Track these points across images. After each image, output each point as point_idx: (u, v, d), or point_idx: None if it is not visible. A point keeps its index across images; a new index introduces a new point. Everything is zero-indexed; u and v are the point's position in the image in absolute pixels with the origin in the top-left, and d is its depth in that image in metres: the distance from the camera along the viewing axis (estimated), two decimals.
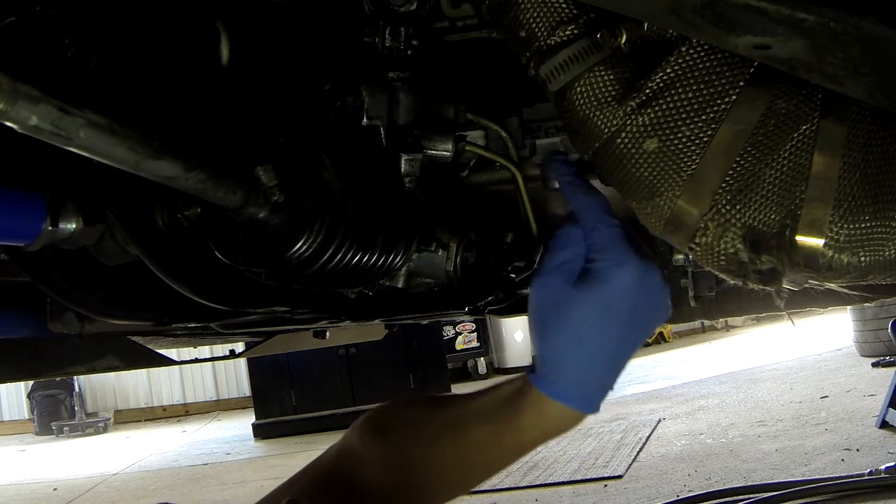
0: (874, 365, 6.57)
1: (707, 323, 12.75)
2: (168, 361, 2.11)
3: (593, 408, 0.82)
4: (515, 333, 11.32)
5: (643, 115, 0.76)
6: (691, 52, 0.74)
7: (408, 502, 0.92)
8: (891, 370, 5.23)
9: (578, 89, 0.79)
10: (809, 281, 0.77)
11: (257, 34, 0.99)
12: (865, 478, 3.53)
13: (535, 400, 0.82)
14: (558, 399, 0.81)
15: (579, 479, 4.79)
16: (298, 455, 6.75)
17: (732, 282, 0.80)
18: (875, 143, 0.72)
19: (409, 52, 0.95)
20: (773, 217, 0.74)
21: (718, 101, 0.74)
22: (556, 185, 0.90)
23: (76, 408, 10.94)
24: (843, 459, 4.06)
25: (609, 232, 0.82)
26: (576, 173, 0.88)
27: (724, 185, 0.74)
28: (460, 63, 1.10)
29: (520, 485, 4.86)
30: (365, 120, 0.97)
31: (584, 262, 0.82)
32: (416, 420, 0.94)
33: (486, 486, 4.81)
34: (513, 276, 1.36)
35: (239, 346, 2.66)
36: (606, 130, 0.78)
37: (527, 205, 1.14)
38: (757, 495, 3.63)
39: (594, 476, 4.78)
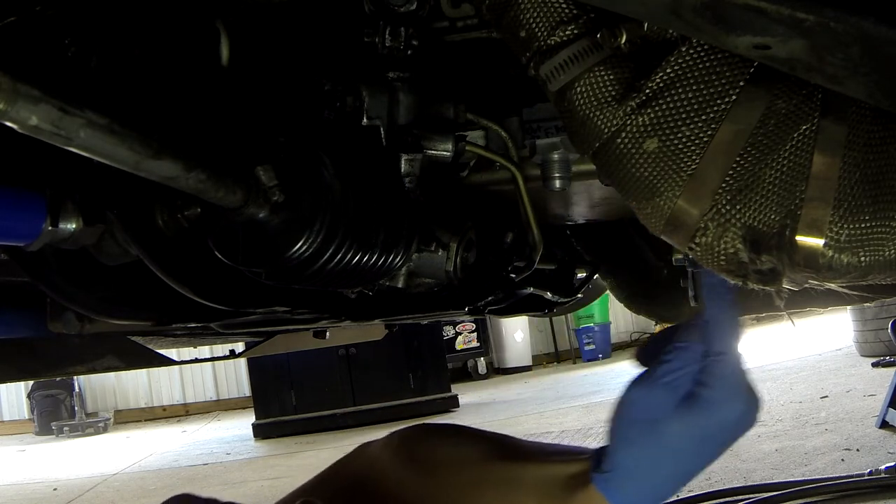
0: (874, 365, 6.57)
1: None
2: (168, 361, 2.11)
3: None
4: (515, 333, 11.31)
5: (643, 115, 0.76)
6: (691, 52, 0.74)
7: None
8: (891, 370, 5.22)
9: (578, 89, 0.79)
10: (809, 281, 0.77)
11: (257, 34, 0.98)
12: (865, 478, 3.53)
13: (590, 496, 0.79)
14: None
15: None
16: (298, 455, 6.75)
17: (732, 282, 0.80)
18: (875, 143, 0.72)
19: (409, 52, 0.95)
20: (773, 217, 0.74)
21: (718, 101, 0.74)
22: (704, 290, 0.81)
23: (76, 408, 10.94)
24: (843, 459, 4.06)
25: (733, 361, 0.77)
26: (727, 286, 0.80)
27: (724, 185, 0.74)
28: (460, 63, 1.10)
29: None
30: (365, 120, 0.97)
31: (692, 381, 0.77)
32: (458, 460, 0.89)
33: None
34: (513, 275, 1.36)
35: (239, 346, 2.67)
36: (606, 130, 0.78)
37: (527, 205, 1.14)
38: (757, 495, 3.62)
39: None
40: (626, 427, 0.79)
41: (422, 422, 0.99)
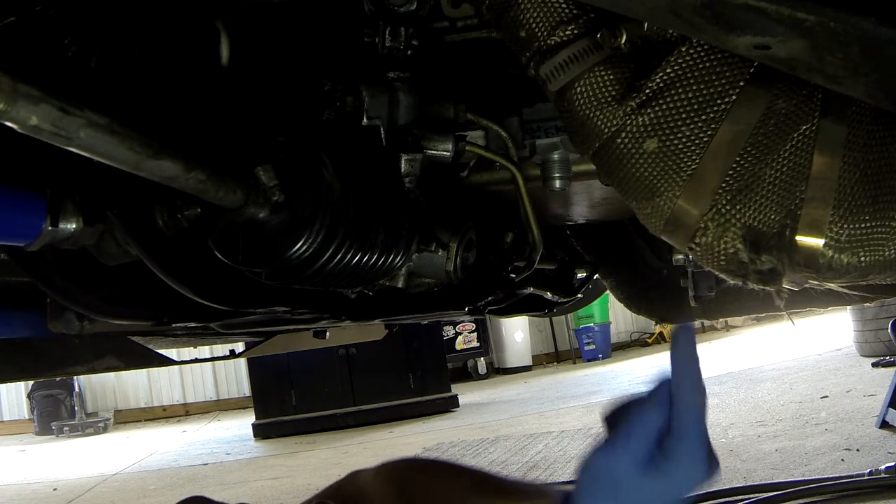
0: (874, 365, 6.57)
1: (707, 323, 12.75)
2: (168, 361, 2.11)
3: None
4: (515, 333, 11.31)
5: (643, 115, 0.76)
6: (691, 52, 0.74)
7: None
8: (891, 370, 5.22)
9: (578, 89, 0.79)
10: (809, 281, 0.77)
11: (257, 34, 0.98)
12: (865, 478, 3.53)
13: None
14: None
15: None
16: (298, 455, 6.75)
17: (732, 282, 0.80)
18: (875, 143, 0.72)
19: (409, 52, 0.95)
20: (773, 217, 0.74)
21: (718, 101, 0.74)
22: (672, 354, 0.81)
23: (76, 408, 10.93)
24: (843, 459, 4.06)
25: (699, 433, 0.80)
26: (695, 352, 0.82)
27: (724, 185, 0.74)
28: (460, 63, 1.10)
29: None
30: (365, 120, 0.96)
31: (655, 444, 0.80)
32: (441, 495, 0.95)
33: None
34: (513, 275, 1.36)
35: (239, 346, 2.66)
36: (606, 130, 0.78)
37: (527, 205, 1.14)
38: (757, 495, 3.62)
39: None
40: (589, 486, 0.83)
41: (411, 455, 1.04)
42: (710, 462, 0.80)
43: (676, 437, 0.79)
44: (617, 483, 0.80)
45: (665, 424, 0.80)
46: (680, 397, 0.80)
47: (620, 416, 0.83)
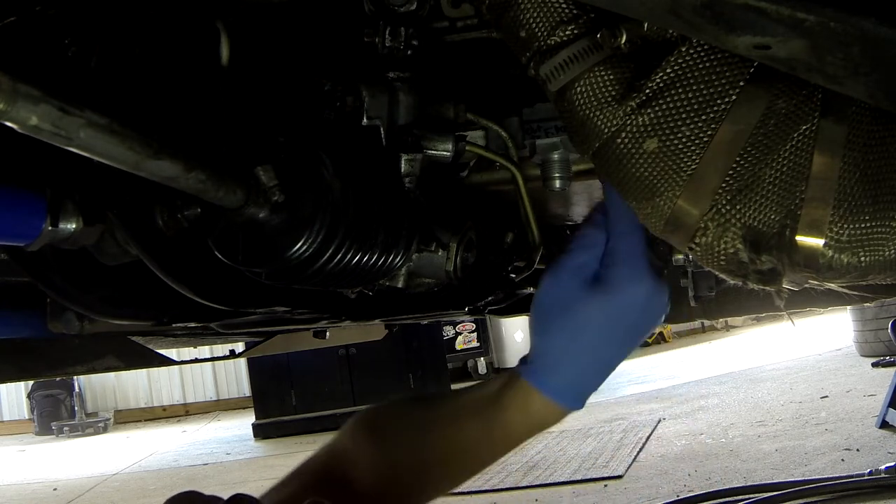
0: (874, 365, 6.57)
1: (707, 323, 12.75)
2: (168, 361, 2.11)
3: (579, 405, 0.84)
4: (515, 333, 11.32)
5: (643, 115, 0.76)
6: (691, 52, 0.74)
7: (401, 499, 0.93)
8: (891, 370, 5.23)
9: (578, 89, 0.79)
10: (809, 281, 0.77)
11: (257, 34, 0.98)
12: (865, 478, 3.53)
13: (522, 393, 0.83)
14: (550, 394, 0.82)
15: (579, 478, 4.79)
16: (298, 455, 6.73)
17: (732, 282, 0.80)
18: (875, 143, 0.72)
19: (409, 52, 0.95)
20: (773, 217, 0.74)
21: (718, 101, 0.74)
22: (603, 182, 0.86)
23: (76, 408, 10.94)
24: (843, 459, 4.06)
25: (635, 244, 0.81)
26: None
27: (724, 185, 0.74)
28: (460, 63, 1.10)
29: (520, 485, 4.86)
30: (365, 120, 0.96)
31: (598, 265, 0.82)
32: (406, 418, 0.95)
33: (486, 485, 4.81)
34: (513, 276, 1.36)
35: (239, 346, 2.67)
36: (606, 130, 0.78)
37: (527, 205, 1.14)
38: (757, 495, 3.63)
39: (594, 476, 4.78)
40: (543, 318, 0.83)
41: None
42: (655, 278, 0.81)
43: (614, 249, 0.81)
44: (566, 304, 0.80)
45: (605, 245, 0.82)
46: (613, 216, 0.82)
47: (562, 249, 0.85)
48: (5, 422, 11.48)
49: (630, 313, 0.81)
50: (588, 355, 0.81)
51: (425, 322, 5.12)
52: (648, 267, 0.81)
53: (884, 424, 4.49)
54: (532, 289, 1.89)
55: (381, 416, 0.99)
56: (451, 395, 0.95)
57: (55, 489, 6.40)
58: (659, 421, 6.23)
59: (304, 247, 0.82)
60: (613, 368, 0.84)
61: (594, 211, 0.86)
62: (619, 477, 4.63)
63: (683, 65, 0.75)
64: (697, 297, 2.13)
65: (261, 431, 8.12)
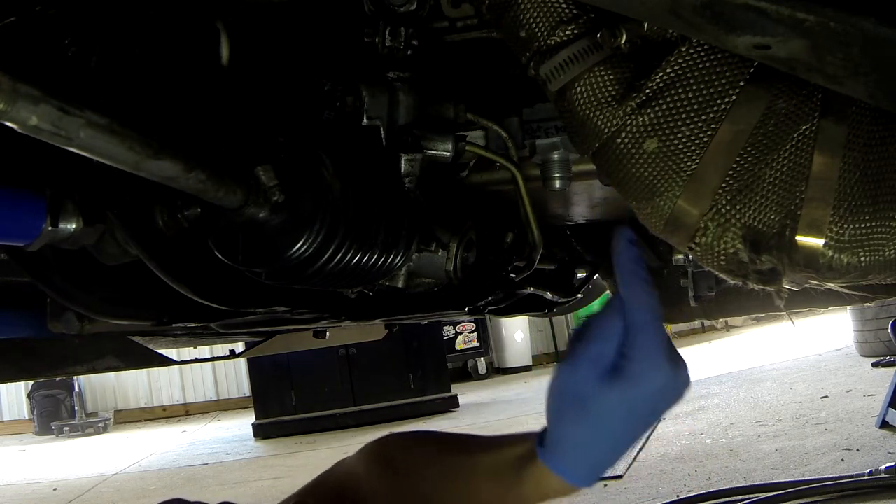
0: (874, 365, 6.57)
1: (707, 323, 12.75)
2: (168, 361, 2.12)
3: (591, 484, 0.85)
4: (515, 333, 11.31)
5: (643, 115, 0.76)
6: (691, 52, 0.74)
7: None
8: (891, 370, 5.23)
9: (578, 89, 0.79)
10: (809, 281, 0.77)
11: (257, 34, 0.98)
12: (865, 478, 3.53)
13: (539, 471, 0.84)
14: (563, 476, 0.83)
15: None
16: (298, 455, 6.75)
17: (732, 282, 0.80)
18: (875, 143, 0.72)
19: (409, 52, 0.95)
20: (773, 217, 0.74)
21: (718, 101, 0.74)
22: (616, 268, 0.83)
23: (76, 408, 10.93)
24: (843, 459, 4.06)
25: (654, 333, 0.80)
26: (639, 261, 0.84)
27: (724, 185, 0.74)
28: (460, 63, 1.10)
29: None
30: (365, 120, 0.96)
31: (616, 355, 0.81)
32: (423, 460, 0.96)
33: None
34: (513, 276, 1.36)
35: (239, 346, 2.67)
36: (606, 130, 0.78)
37: (527, 205, 1.14)
38: (757, 495, 3.62)
39: None
40: (558, 404, 0.83)
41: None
42: (675, 362, 0.80)
43: (632, 341, 0.80)
44: (583, 397, 0.80)
45: (623, 335, 0.81)
46: (631, 306, 0.81)
47: (581, 336, 0.84)
48: (5, 422, 11.47)
49: (650, 403, 0.80)
50: (604, 443, 0.82)
51: (425, 322, 5.12)
52: (669, 355, 0.80)
53: (884, 424, 4.49)
54: (532, 289, 1.90)
55: (397, 450, 1.00)
56: (470, 445, 0.95)
57: (55, 489, 6.40)
58: (658, 421, 6.22)
59: (305, 247, 0.82)
60: (629, 449, 0.84)
61: (612, 297, 0.85)
62: (619, 477, 4.63)
63: (683, 65, 0.75)
64: (697, 297, 2.13)
65: (261, 431, 8.12)
